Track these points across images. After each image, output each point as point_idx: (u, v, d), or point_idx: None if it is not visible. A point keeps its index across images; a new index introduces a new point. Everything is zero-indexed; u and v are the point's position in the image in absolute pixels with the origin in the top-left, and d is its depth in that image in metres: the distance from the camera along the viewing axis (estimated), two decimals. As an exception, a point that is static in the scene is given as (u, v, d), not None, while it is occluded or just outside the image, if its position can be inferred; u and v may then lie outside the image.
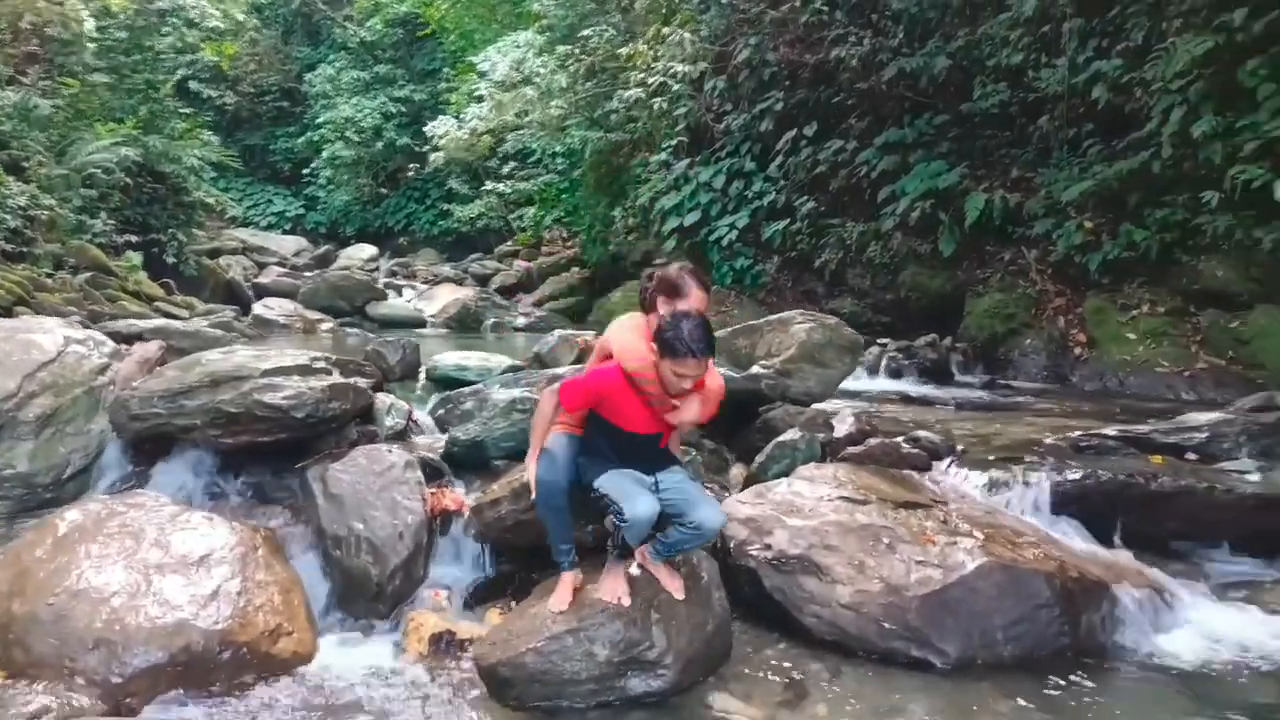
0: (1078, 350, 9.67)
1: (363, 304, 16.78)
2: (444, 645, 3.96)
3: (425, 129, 21.03)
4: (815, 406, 5.46)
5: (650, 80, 14.89)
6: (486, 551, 4.49)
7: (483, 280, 21.92)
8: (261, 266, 21.15)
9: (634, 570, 3.70)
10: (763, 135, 14.71)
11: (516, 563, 4.47)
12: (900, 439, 5.37)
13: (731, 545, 4.22)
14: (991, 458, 5.39)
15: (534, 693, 3.43)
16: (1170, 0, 9.25)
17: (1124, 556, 4.51)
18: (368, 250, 25.51)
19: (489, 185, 21.51)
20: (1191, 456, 5.34)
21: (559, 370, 5.63)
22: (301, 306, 15.42)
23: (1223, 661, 3.91)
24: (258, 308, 14.66)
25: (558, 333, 6.47)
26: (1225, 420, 5.52)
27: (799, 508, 4.29)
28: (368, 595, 4.20)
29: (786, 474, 4.91)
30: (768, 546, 4.14)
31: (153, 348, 5.64)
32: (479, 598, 4.40)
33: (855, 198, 13.22)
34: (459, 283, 21.24)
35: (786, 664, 3.88)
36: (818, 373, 5.48)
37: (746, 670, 3.83)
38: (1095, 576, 4.08)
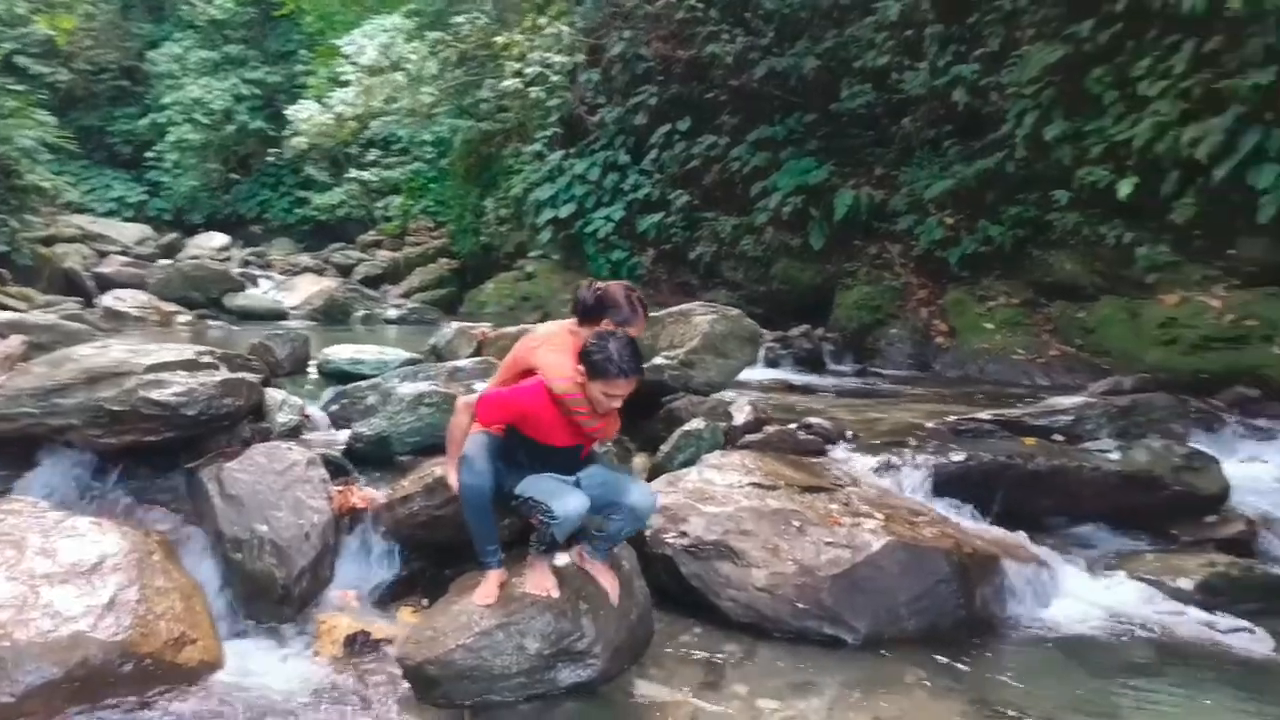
0: (940, 339, 10.21)
1: (219, 295, 16.00)
2: (359, 646, 3.86)
3: (286, 112, 20.17)
4: (714, 396, 5.59)
5: (527, 70, 14.76)
6: (396, 549, 4.39)
7: (345, 271, 21.27)
8: (102, 255, 19.83)
9: (560, 562, 3.70)
10: (636, 129, 14.84)
11: (427, 559, 4.39)
12: (793, 426, 5.56)
13: (647, 534, 4.28)
14: (877, 442, 5.66)
15: (463, 690, 3.40)
16: (1024, 10, 9.84)
17: (1006, 533, 4.81)
18: (218, 239, 24.30)
19: (353, 173, 20.81)
20: (1058, 438, 5.74)
21: (460, 363, 5.57)
22: (155, 298, 14.56)
23: (1101, 628, 4.24)
24: (107, 299, 13.78)
25: (454, 325, 6.37)
26: (1087, 404, 5.97)
27: (712, 495, 4.39)
28: (273, 599, 4.03)
29: (692, 463, 5.01)
30: (683, 534, 4.22)
31: (15, 343, 5.24)
32: (390, 597, 4.31)
33: (728, 192, 13.51)
34: (320, 273, 20.53)
35: (705, 648, 3.97)
36: (719, 363, 5.61)
37: (667, 656, 3.90)
38: (986, 552, 4.35)
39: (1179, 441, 5.72)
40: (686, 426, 5.16)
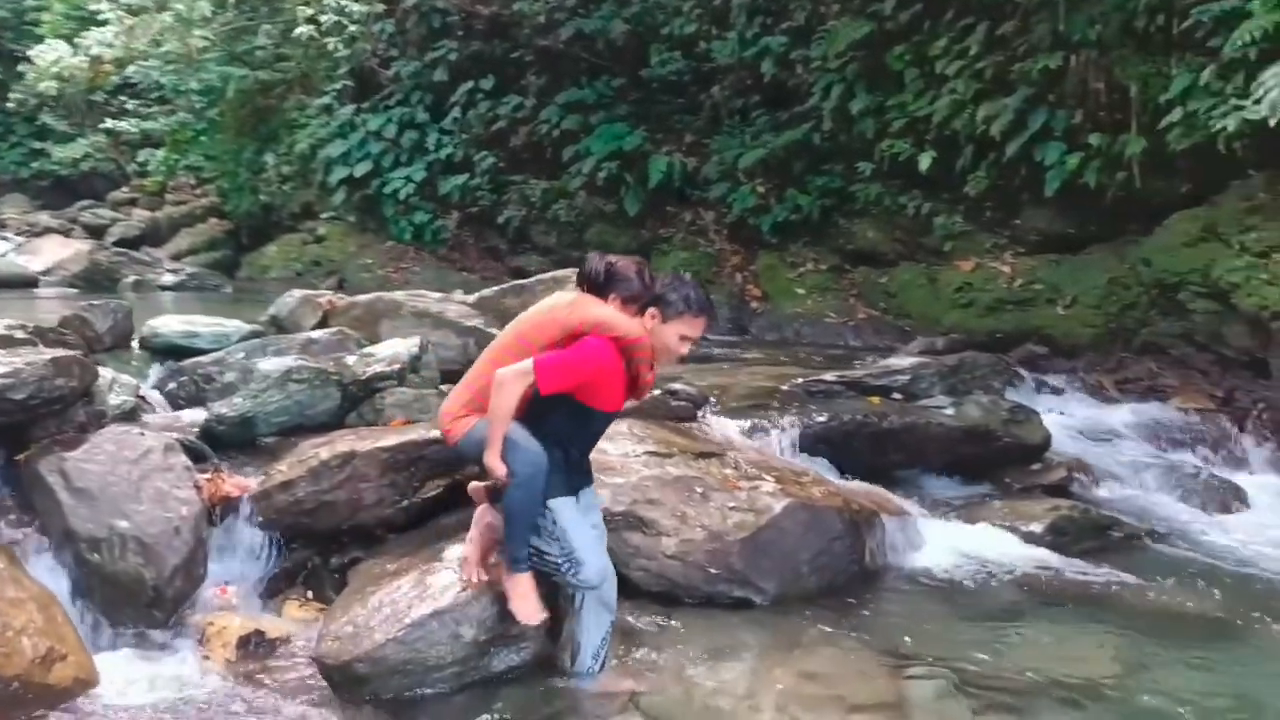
0: (754, 304, 10.61)
1: (-64, 260, 13.97)
2: (254, 647, 3.53)
3: (31, 54, 17.76)
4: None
5: (322, 18, 13.79)
6: (271, 540, 4.04)
7: (96, 232, 19.10)
8: None
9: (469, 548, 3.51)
10: (436, 85, 14.29)
11: (309, 549, 4.07)
12: (658, 392, 5.59)
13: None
14: (738, 405, 5.82)
15: (394, 685, 3.19)
16: (831, -14, 10.30)
17: (872, 488, 5.10)
18: (-70, 195, 21.15)
19: (108, 123, 18.70)
20: (897, 396, 6.14)
21: (314, 335, 5.17)
22: None
23: (969, 573, 4.57)
24: None
25: (297, 293, 5.87)
26: (922, 364, 6.41)
27: (611, 465, 4.34)
28: (143, 602, 3.60)
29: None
30: (589, 506, 4.14)
31: None
32: (270, 592, 3.97)
33: (537, 155, 13.32)
34: (66, 234, 18.35)
35: (620, 620, 3.93)
36: (592, 331, 5.52)
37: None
38: (868, 507, 4.59)
39: (1001, 397, 6.27)
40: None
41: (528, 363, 3.02)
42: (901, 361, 6.55)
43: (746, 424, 5.41)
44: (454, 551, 3.53)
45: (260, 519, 3.95)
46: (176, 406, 4.81)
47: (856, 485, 5.04)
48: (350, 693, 3.21)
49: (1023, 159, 8.39)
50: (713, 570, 4.01)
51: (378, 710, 3.21)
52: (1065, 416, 6.69)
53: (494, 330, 5.45)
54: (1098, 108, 7.89)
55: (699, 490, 4.26)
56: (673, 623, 3.94)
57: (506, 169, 13.58)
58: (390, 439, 3.93)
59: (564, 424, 3.15)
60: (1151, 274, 7.51)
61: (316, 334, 5.16)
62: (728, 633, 3.88)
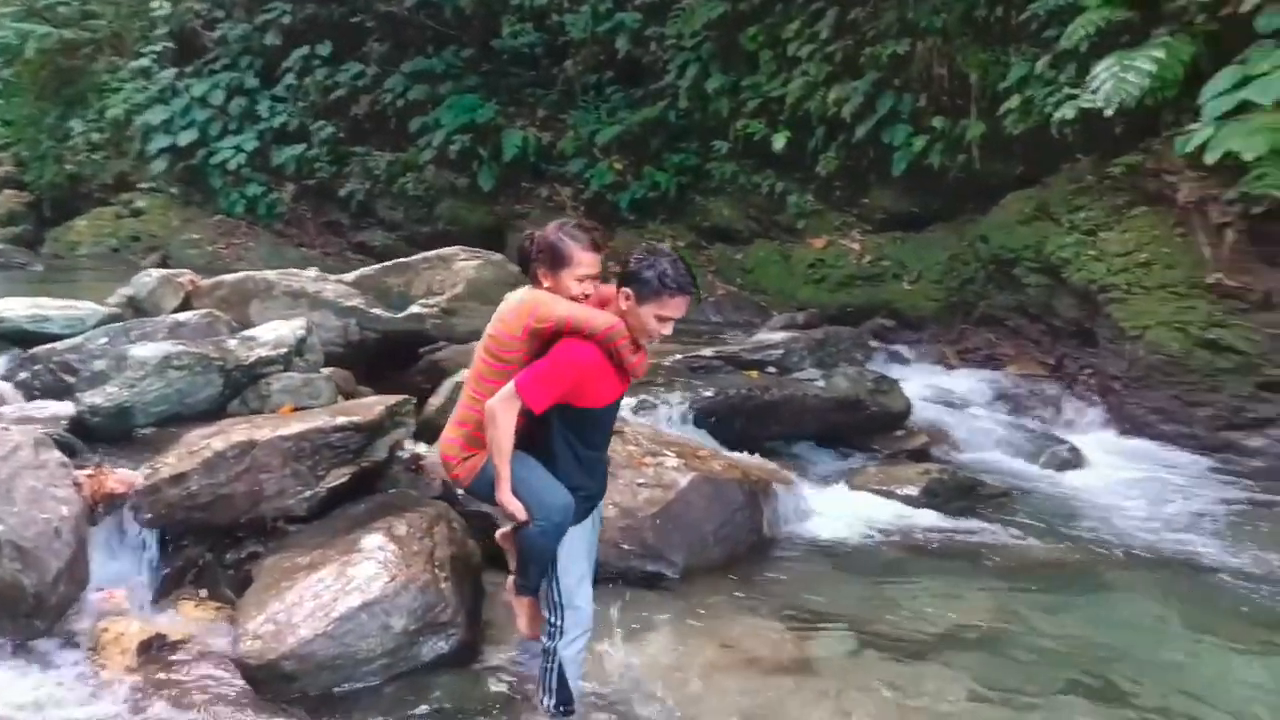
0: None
1: None
2: (156, 651, 3.31)
3: None
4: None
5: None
6: (158, 537, 3.79)
7: None
8: None
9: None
10: (267, 50, 13.56)
11: (201, 545, 3.84)
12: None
13: (460, 493, 4.10)
14: (625, 383, 5.87)
15: (322, 681, 3.08)
16: (684, -35, 10.42)
17: (761, 460, 5.28)
18: None
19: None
20: (772, 370, 6.36)
21: (180, 318, 4.85)
22: None
23: (855, 536, 4.83)
24: None
25: (156, 272, 5.43)
26: (792, 338, 6.66)
27: (516, 446, 4.30)
28: (22, 611, 3.29)
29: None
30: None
31: None
32: (160, 592, 3.72)
33: (381, 125, 12.88)
34: None
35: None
36: (484, 310, 5.34)
37: (502, 617, 3.79)
38: (762, 478, 4.75)
39: (864, 368, 6.60)
40: (458, 377, 4.96)
41: (510, 387, 2.77)
42: (773, 336, 6.77)
43: (634, 400, 5.47)
44: (373, 541, 3.43)
45: (148, 515, 3.68)
46: (31, 398, 4.41)
47: (747, 458, 5.20)
48: (275, 692, 3.07)
49: (871, 140, 8.81)
50: (626, 546, 4.07)
51: (304, 708, 3.10)
52: (916, 385, 7.12)
53: (377, 310, 5.29)
54: (941, 93, 8.37)
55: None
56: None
57: (347, 140, 13.05)
58: (293, 426, 3.74)
59: (566, 430, 2.91)
60: (989, 250, 8.06)
61: (183, 316, 4.82)
62: (643, 607, 3.95)
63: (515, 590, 3.14)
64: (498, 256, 5.82)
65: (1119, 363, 6.78)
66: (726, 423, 5.57)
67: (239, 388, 4.33)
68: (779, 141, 9.42)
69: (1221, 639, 3.78)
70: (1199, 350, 6.24)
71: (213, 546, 3.84)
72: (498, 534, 3.23)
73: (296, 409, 4.27)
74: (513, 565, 3.18)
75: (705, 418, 5.54)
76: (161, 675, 3.22)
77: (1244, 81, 5.71)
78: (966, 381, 7.55)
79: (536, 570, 2.99)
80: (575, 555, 2.96)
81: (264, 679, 3.06)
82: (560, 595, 2.93)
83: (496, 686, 3.32)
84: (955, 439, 6.34)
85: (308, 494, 3.77)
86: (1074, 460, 6.05)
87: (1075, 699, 3.37)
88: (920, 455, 5.94)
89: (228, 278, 5.32)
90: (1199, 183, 6.23)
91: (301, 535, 3.73)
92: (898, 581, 4.36)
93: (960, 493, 5.26)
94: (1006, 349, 8.10)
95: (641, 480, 4.26)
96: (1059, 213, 7.39)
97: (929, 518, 5.03)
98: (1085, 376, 7.24)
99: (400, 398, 4.00)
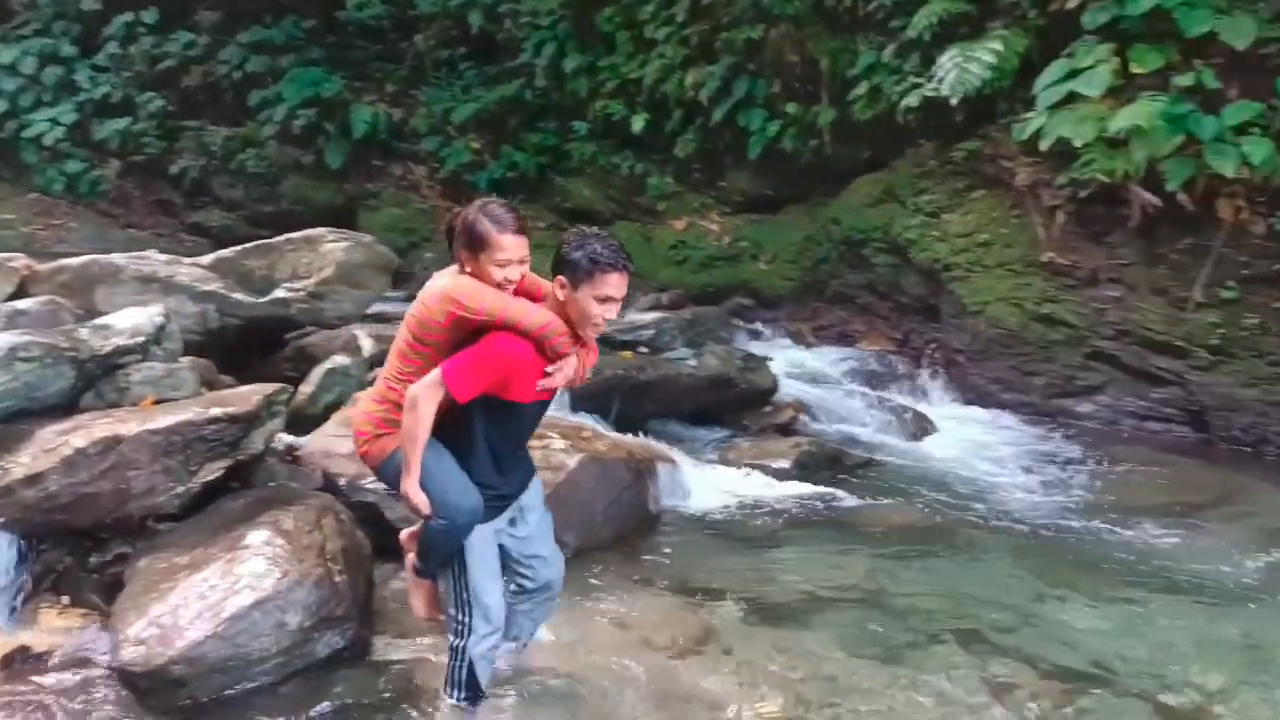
0: (472, 262, 10.50)
1: None
2: (20, 664, 3.08)
3: None
4: (345, 330, 5.24)
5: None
6: (13, 542, 3.51)
7: None
8: None
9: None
10: (85, 15, 12.61)
11: (60, 549, 3.59)
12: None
13: (342, 483, 3.99)
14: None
15: (214, 684, 2.93)
16: (538, -58, 10.31)
17: (643, 439, 5.37)
18: None
19: None
20: (645, 350, 6.45)
21: (19, 305, 4.48)
22: None
23: (734, 509, 4.97)
24: None
25: (-16, 257, 4.96)
26: (663, 319, 6.77)
27: (400, 433, 4.20)
28: None
29: (341, 403, 4.71)
30: (384, 477, 4.01)
31: None
32: (20, 601, 3.46)
33: (216, 98, 12.20)
34: None
35: (426, 589, 3.87)
36: (354, 294, 5.24)
37: (391, 609, 3.72)
38: (646, 457, 4.83)
39: (731, 346, 6.79)
40: (329, 364, 4.81)
41: (436, 374, 2.63)
42: (644, 317, 6.86)
43: (512, 383, 5.43)
44: (259, 536, 3.28)
45: (1, 520, 3.41)
46: None
47: (629, 437, 5.27)
48: (162, 699, 2.91)
49: (728, 124, 9.00)
50: (517, 529, 4.04)
51: (194, 714, 2.96)
52: (779, 361, 7.38)
53: (238, 295, 5.04)
54: (794, 79, 8.64)
55: (495, 452, 4.25)
56: (480, 585, 3.95)
57: (178, 113, 12.29)
58: (161, 419, 3.53)
59: (487, 423, 2.78)
60: (840, 232, 8.40)
61: (22, 304, 4.43)
62: (537, 588, 3.96)
63: (413, 572, 3.04)
64: (368, 238, 5.63)
65: (962, 337, 7.24)
66: (606, 403, 5.62)
67: (92, 380, 4.03)
68: (638, 123, 9.51)
69: (1071, 589, 4.12)
70: (1034, 324, 6.75)
71: (74, 550, 3.60)
72: (401, 534, 3.11)
73: (159, 401, 4.02)
74: (412, 554, 3.11)
75: (583, 399, 5.56)
76: (28, 690, 2.99)
77: (1072, 74, 6.17)
78: (824, 357, 7.88)
79: (436, 560, 2.92)
80: (484, 553, 2.87)
81: (150, 687, 2.89)
82: (468, 592, 2.84)
83: (395, 679, 3.25)
84: (818, 412, 6.62)
85: (180, 490, 3.57)
86: (926, 429, 6.43)
87: (947, 647, 3.60)
88: (788, 429, 6.17)
89: (70, 261, 4.93)
90: (1033, 168, 6.71)
91: (174, 534, 3.53)
92: (777, 550, 4.54)
93: (828, 463, 5.50)
94: (858, 325, 8.49)
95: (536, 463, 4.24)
96: (904, 195, 7.78)
97: (800, 488, 5.23)
98: (931, 350, 7.69)
99: (277, 386, 3.83)
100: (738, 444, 5.76)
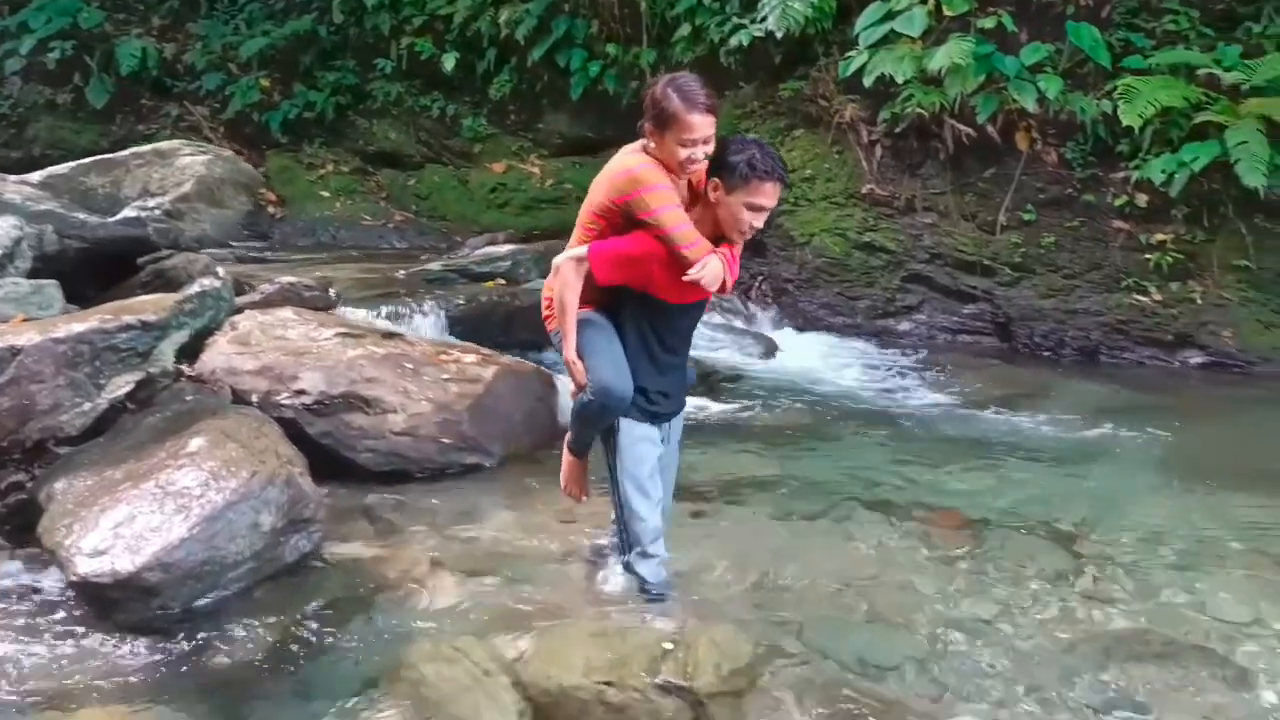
0: (271, 209, 9.83)
1: None
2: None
3: None
4: (204, 254, 4.80)
5: None
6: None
7: None
8: None
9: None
10: None
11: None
12: (284, 283, 5.16)
13: (255, 399, 3.72)
14: (362, 295, 5.62)
15: (187, 592, 2.68)
16: None
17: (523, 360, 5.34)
18: None
19: None
20: (502, 281, 6.39)
21: None
22: None
23: (629, 418, 5.10)
24: None
25: None
26: (518, 250, 6.71)
27: (308, 350, 3.97)
28: None
29: (213, 330, 4.35)
30: (301, 392, 3.79)
31: None
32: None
33: (-59, 28, 10.56)
34: None
35: (358, 504, 3.71)
36: (214, 214, 4.80)
37: (332, 519, 3.54)
38: (546, 373, 4.83)
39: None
40: (199, 288, 4.39)
41: (582, 249, 2.71)
42: (499, 249, 6.78)
43: (385, 311, 5.25)
44: (202, 441, 3.02)
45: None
46: None
47: (518, 359, 5.23)
48: (131, 611, 2.63)
49: (545, 64, 8.97)
50: (446, 440, 3.97)
51: (168, 626, 2.70)
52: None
53: (80, 215, 4.50)
54: (613, 19, 8.73)
55: (410, 366, 4.11)
56: (409, 496, 3.85)
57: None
58: (66, 327, 3.14)
59: (642, 320, 2.82)
60: (663, 172, 8.61)
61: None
62: (468, 496, 3.93)
63: (566, 446, 3.10)
64: (228, 152, 5.20)
65: (790, 268, 7.69)
66: (481, 330, 5.53)
67: (-60, 300, 3.51)
68: (448, 63, 9.26)
69: (942, 459, 4.61)
70: (856, 252, 7.30)
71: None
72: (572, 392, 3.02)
73: (27, 319, 3.57)
74: None
75: (458, 325, 5.47)
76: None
77: (889, 15, 6.72)
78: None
79: (584, 435, 3.00)
80: (641, 461, 2.89)
81: (119, 598, 2.61)
82: (621, 500, 2.94)
83: (366, 577, 3.12)
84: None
85: (86, 408, 3.22)
86: (774, 350, 6.82)
87: (864, 510, 3.94)
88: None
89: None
90: (853, 105, 7.23)
91: (84, 456, 3.17)
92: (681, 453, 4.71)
93: (701, 379, 5.73)
94: (685, 263, 8.77)
95: (448, 376, 4.15)
96: (729, 136, 8.09)
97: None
98: (759, 284, 8.12)
99: (192, 291, 3.51)
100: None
